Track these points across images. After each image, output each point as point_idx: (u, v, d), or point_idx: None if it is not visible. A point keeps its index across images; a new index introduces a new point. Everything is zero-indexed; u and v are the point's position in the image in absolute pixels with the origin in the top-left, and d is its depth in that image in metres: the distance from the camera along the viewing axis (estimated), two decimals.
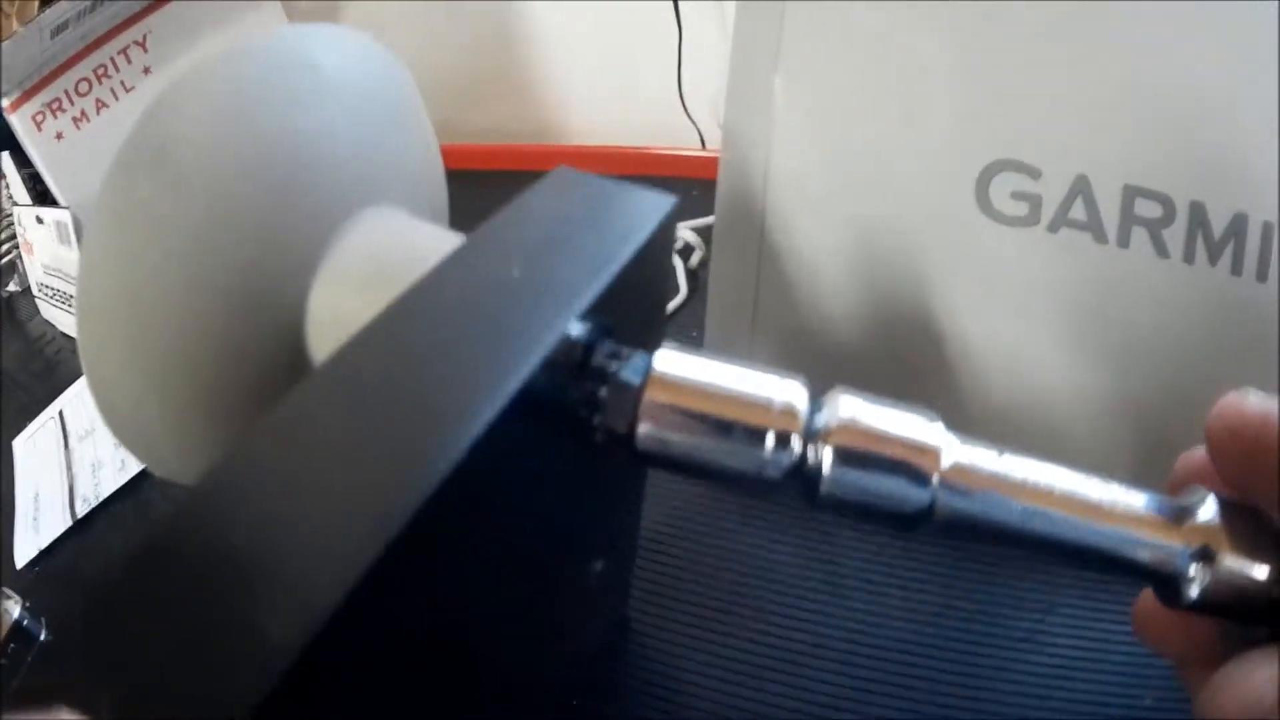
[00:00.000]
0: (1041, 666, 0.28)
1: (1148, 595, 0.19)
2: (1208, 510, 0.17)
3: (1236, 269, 0.30)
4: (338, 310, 0.20)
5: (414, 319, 0.15)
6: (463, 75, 0.76)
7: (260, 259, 0.19)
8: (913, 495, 0.17)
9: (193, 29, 0.55)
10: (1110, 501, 0.17)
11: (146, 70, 0.53)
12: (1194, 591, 0.17)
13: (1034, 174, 0.29)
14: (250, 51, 0.20)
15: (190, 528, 0.12)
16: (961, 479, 0.17)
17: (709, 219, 0.46)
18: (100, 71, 0.52)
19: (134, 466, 0.39)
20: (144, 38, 0.53)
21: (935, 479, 0.17)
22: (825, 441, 0.17)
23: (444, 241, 0.19)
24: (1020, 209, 0.30)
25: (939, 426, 0.17)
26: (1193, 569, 0.17)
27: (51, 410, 0.45)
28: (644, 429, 0.17)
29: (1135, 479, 0.31)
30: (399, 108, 0.23)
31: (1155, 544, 0.17)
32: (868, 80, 0.31)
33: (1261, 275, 0.29)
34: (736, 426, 0.17)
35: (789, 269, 0.34)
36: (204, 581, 0.11)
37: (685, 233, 0.50)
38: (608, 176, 0.20)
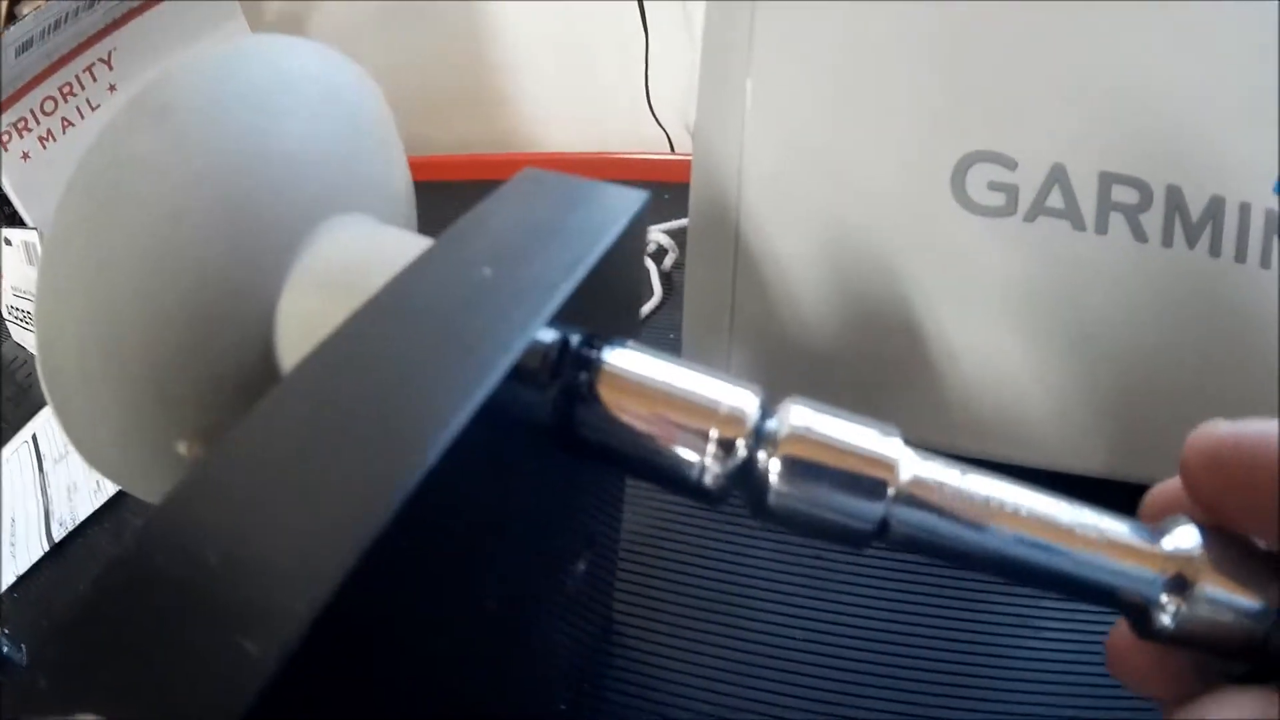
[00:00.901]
0: (1035, 652, 0.28)
1: (1121, 629, 0.18)
2: (1186, 537, 0.16)
3: (1215, 251, 0.30)
4: (307, 317, 0.19)
5: (381, 325, 0.14)
6: (429, 87, 0.75)
7: (233, 252, 0.19)
8: (866, 510, 0.16)
9: (158, 45, 0.54)
10: (1081, 524, 0.16)
11: (112, 88, 0.53)
12: (1167, 620, 0.16)
13: (1010, 164, 0.29)
14: (235, 55, 0.20)
15: (159, 546, 0.11)
16: (919, 493, 0.16)
17: (682, 221, 0.46)
18: (66, 89, 0.51)
19: (109, 489, 0.39)
20: (109, 55, 0.52)
21: (890, 493, 0.16)
22: (774, 451, 0.16)
23: (412, 246, 0.19)
24: (997, 199, 0.29)
25: (896, 441, 0.17)
26: (1165, 596, 0.16)
27: (25, 434, 0.45)
28: (584, 419, 0.17)
29: (1116, 465, 0.31)
30: (368, 118, 0.23)
31: (1127, 569, 0.16)
32: (840, 78, 0.31)
33: (1240, 256, 0.29)
34: (677, 427, 0.16)
35: (765, 270, 0.33)
36: (175, 601, 0.11)
37: (658, 235, 0.50)
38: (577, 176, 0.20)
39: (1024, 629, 0.29)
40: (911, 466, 0.16)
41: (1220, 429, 0.16)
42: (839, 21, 0.31)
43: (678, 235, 0.49)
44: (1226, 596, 0.16)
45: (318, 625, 0.10)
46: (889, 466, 0.16)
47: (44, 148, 0.50)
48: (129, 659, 0.10)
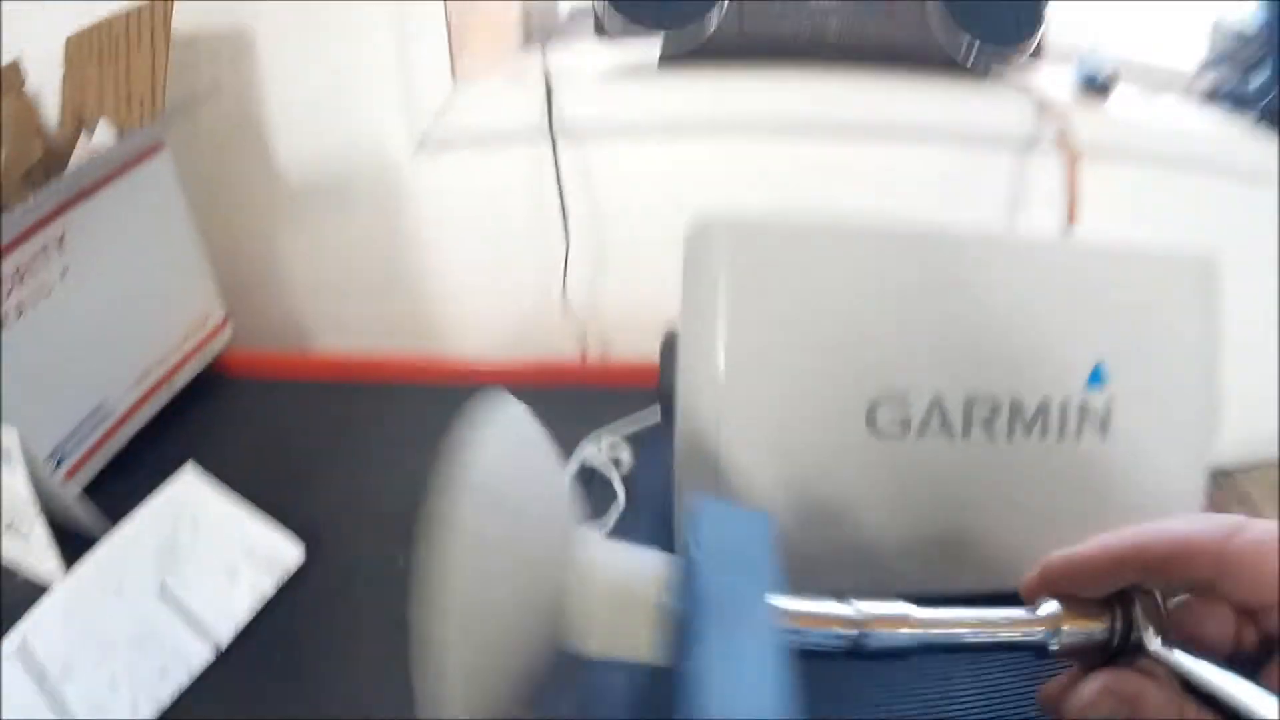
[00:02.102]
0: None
1: (1046, 687, 0.32)
2: (1049, 607, 0.31)
3: (1044, 434, 0.41)
4: (605, 624, 0.28)
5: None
6: (346, 271, 0.76)
7: (540, 580, 0.28)
8: (846, 642, 0.29)
9: (107, 225, 0.56)
10: (985, 616, 0.31)
11: (65, 271, 0.54)
12: (1054, 646, 0.31)
13: (904, 401, 0.40)
14: (501, 432, 0.29)
15: None
16: (877, 627, 0.29)
17: (631, 425, 0.55)
18: (22, 272, 0.52)
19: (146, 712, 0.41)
20: (60, 238, 0.54)
21: (856, 633, 0.29)
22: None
23: (647, 559, 0.29)
24: (896, 428, 0.40)
25: (858, 605, 0.29)
26: (1049, 637, 0.31)
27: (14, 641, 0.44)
28: None
29: (991, 591, 0.42)
30: (557, 457, 0.32)
31: (1023, 632, 0.31)
32: (792, 339, 0.40)
33: (1061, 437, 0.41)
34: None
35: (742, 483, 0.41)
36: None
37: (615, 440, 0.56)
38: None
39: (945, 700, 0.39)
40: (868, 611, 0.29)
41: (1047, 559, 0.32)
42: (795, 291, 0.40)
43: (632, 439, 0.57)
44: (1079, 630, 0.31)
45: None
46: (854, 620, 0.29)
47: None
48: None
